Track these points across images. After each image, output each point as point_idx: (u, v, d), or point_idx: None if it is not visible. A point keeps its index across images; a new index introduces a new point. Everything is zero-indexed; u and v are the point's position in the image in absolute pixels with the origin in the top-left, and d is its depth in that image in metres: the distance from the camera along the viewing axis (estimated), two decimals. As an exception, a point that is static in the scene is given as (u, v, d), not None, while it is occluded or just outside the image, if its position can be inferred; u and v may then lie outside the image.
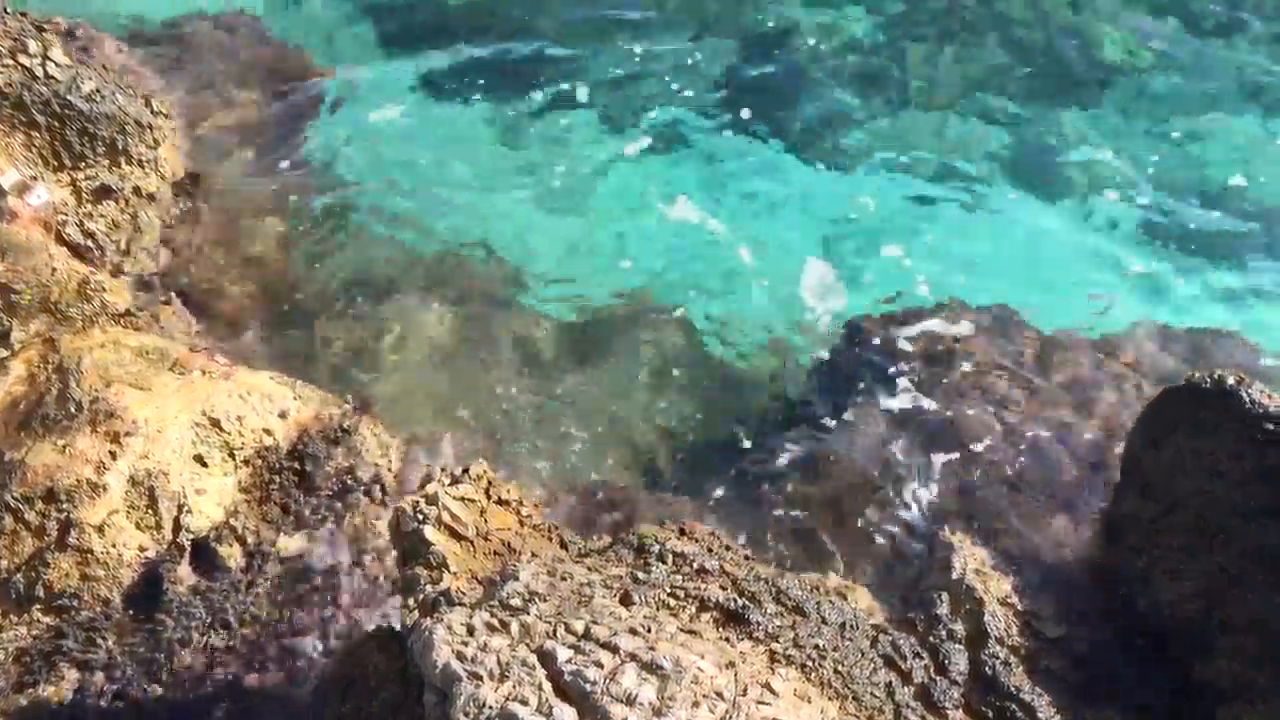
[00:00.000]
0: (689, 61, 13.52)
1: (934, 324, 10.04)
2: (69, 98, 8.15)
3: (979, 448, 8.66)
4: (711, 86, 13.27)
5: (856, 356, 9.72)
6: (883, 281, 10.96)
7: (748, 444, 9.33)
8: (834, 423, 9.21)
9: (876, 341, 9.77)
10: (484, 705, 3.76)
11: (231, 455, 6.93)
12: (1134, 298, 11.00)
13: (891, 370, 9.52)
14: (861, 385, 9.46)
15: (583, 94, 13.03)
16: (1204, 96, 13.43)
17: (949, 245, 11.40)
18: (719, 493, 8.87)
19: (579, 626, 4.21)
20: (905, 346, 9.73)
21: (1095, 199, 12.02)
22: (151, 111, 8.87)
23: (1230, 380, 5.88)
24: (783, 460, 9.05)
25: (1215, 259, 11.51)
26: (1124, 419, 8.45)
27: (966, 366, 9.45)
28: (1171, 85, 13.62)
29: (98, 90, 8.38)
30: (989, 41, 14.08)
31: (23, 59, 8.04)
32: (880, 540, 8.27)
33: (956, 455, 8.66)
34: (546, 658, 4.00)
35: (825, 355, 10.02)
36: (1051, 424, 8.79)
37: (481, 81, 13.09)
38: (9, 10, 8.41)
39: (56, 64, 8.14)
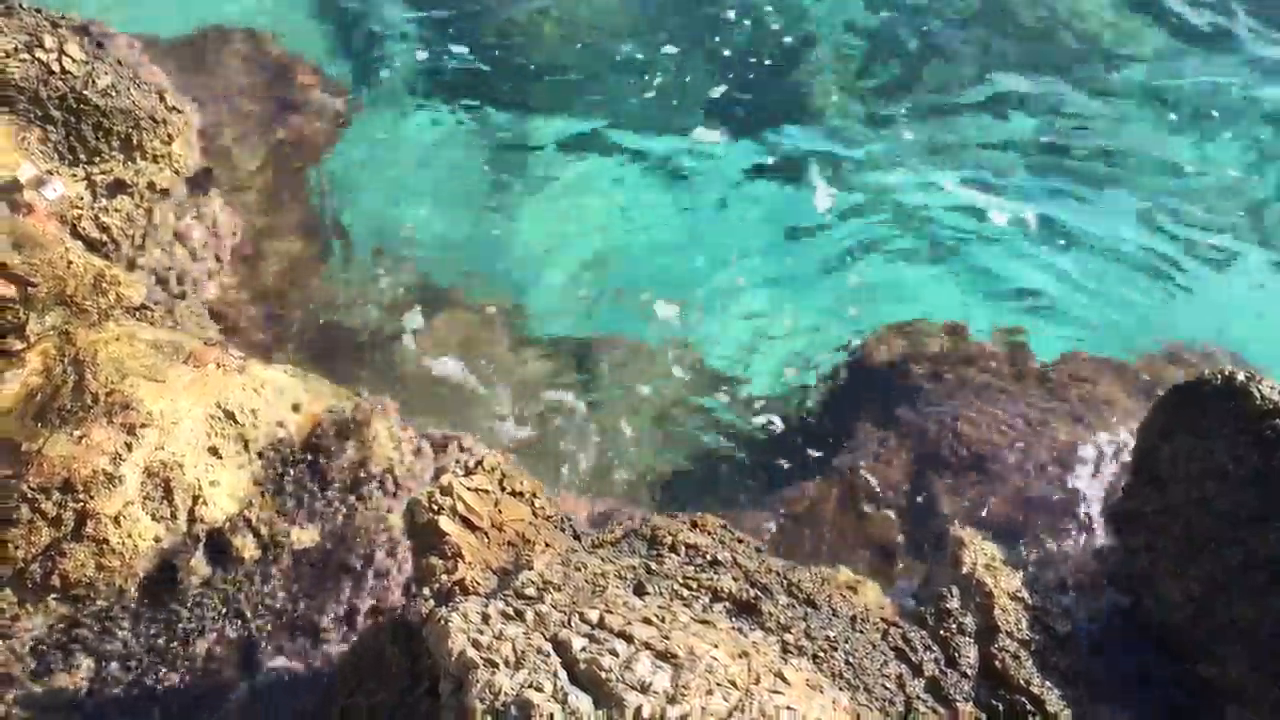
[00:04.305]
0: (685, 77, 13.49)
1: (940, 342, 10.13)
2: (85, 92, 8.20)
3: (985, 455, 8.73)
4: (705, 102, 13.25)
5: (865, 372, 9.82)
6: (890, 298, 10.99)
7: (758, 452, 9.39)
8: (844, 433, 9.29)
9: (885, 358, 9.88)
10: (500, 692, 3.80)
11: (245, 447, 6.97)
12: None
13: (900, 385, 9.63)
14: (870, 399, 9.57)
15: (588, 112, 13.05)
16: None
17: (960, 268, 11.43)
18: (730, 494, 8.94)
19: (593, 615, 4.25)
20: (912, 362, 9.83)
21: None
22: (166, 107, 8.91)
23: (1240, 376, 5.90)
24: (794, 465, 9.13)
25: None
26: (1128, 431, 8.52)
27: (972, 382, 9.55)
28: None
29: (113, 85, 8.43)
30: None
31: (39, 54, 8.08)
32: (890, 537, 8.30)
33: (963, 462, 8.73)
34: (561, 646, 4.04)
35: (834, 370, 10.08)
36: (1056, 436, 8.85)
37: (490, 95, 13.12)
38: (24, 6, 8.46)
39: (72, 59, 8.19)
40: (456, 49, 13.70)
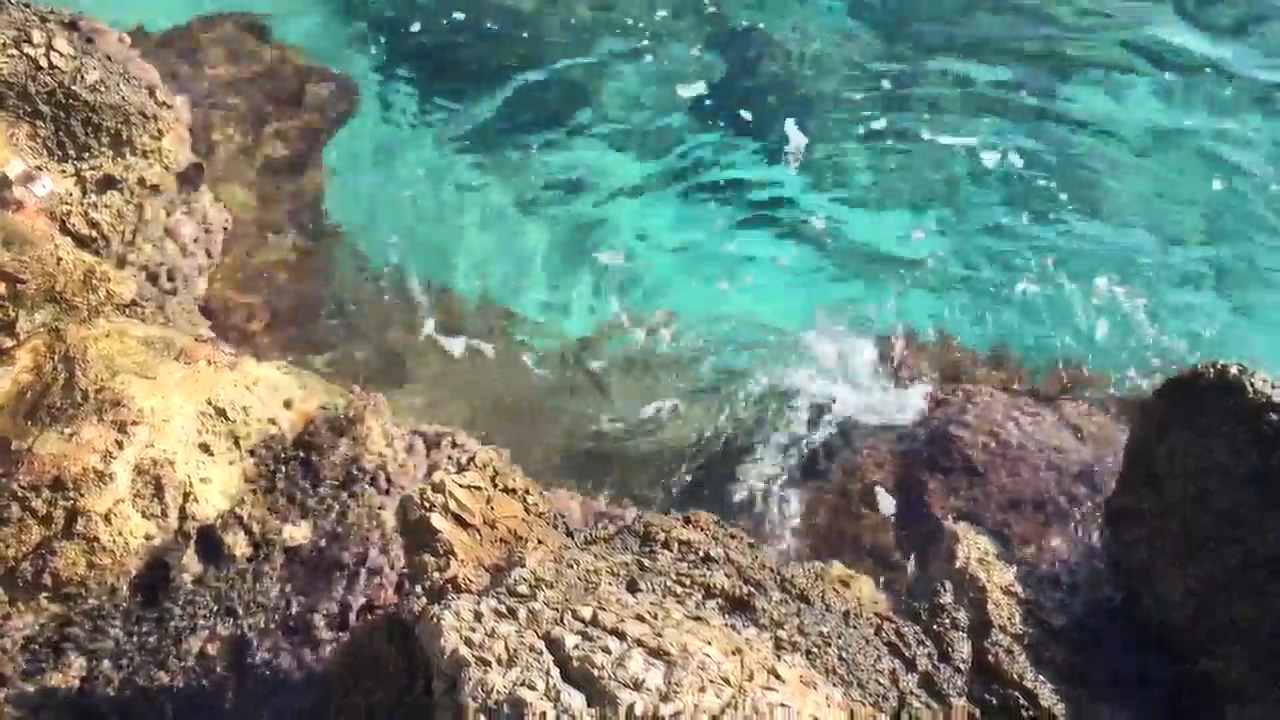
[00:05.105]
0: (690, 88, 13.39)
1: (933, 350, 10.17)
2: (73, 88, 8.16)
3: (979, 457, 8.76)
4: (709, 111, 13.18)
5: (860, 378, 9.85)
6: (885, 306, 10.95)
7: (756, 454, 9.37)
8: (839, 437, 9.31)
9: (880, 367, 9.92)
10: (492, 690, 3.79)
11: (237, 444, 6.94)
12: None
13: (894, 391, 9.65)
14: (865, 405, 9.59)
15: (587, 117, 12.95)
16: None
17: (950, 275, 11.38)
18: (724, 494, 8.95)
19: (586, 613, 4.24)
20: (907, 370, 9.85)
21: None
22: (155, 102, 8.86)
23: (1234, 370, 5.88)
24: (791, 466, 9.14)
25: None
26: (1120, 433, 8.54)
27: (966, 390, 9.59)
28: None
29: (102, 81, 8.37)
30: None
31: (27, 49, 8.03)
32: (883, 532, 8.31)
33: (957, 465, 8.76)
34: (554, 643, 4.03)
35: (829, 375, 10.06)
36: (1049, 439, 8.88)
37: (486, 86, 13.01)
38: (13, 1, 8.41)
39: (61, 54, 8.14)
40: (454, 41, 13.62)
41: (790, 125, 12.49)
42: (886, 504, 8.49)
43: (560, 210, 11.77)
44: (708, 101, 12.95)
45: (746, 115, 12.74)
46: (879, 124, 12.65)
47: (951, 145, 12.36)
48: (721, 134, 12.61)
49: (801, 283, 11.15)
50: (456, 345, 10.12)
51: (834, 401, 9.64)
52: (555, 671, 3.89)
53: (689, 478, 9.19)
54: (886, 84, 13.11)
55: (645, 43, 13.59)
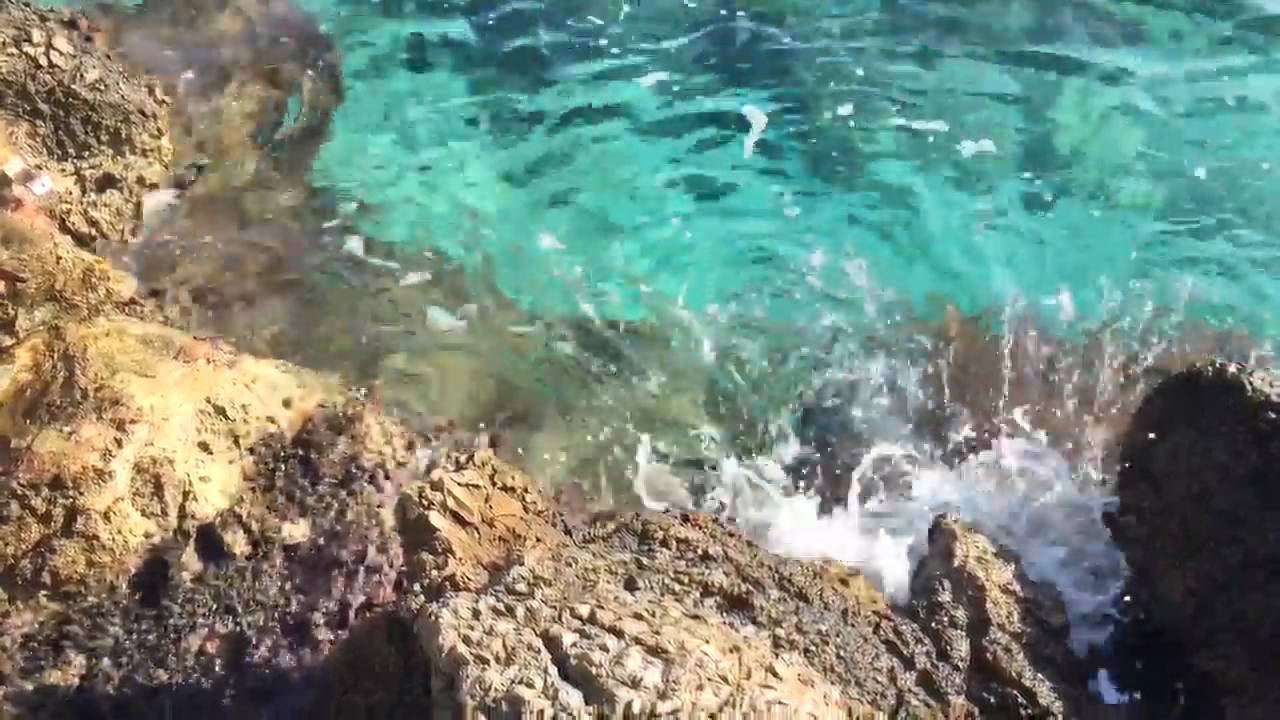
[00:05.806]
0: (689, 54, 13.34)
1: (935, 325, 10.11)
2: (73, 87, 8.16)
3: (981, 440, 8.74)
4: (709, 69, 13.10)
5: (860, 359, 9.79)
6: (887, 282, 10.86)
7: (753, 439, 9.33)
8: (838, 421, 9.27)
9: (879, 343, 9.87)
10: (490, 688, 3.79)
11: (236, 443, 6.95)
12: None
13: (893, 367, 9.61)
14: (863, 383, 9.56)
15: (599, 80, 12.87)
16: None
17: (948, 242, 11.27)
18: (723, 482, 8.90)
19: (584, 611, 4.24)
20: (905, 347, 9.82)
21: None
22: (155, 100, 8.87)
23: (1232, 369, 5.89)
24: (786, 455, 9.12)
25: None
26: (1126, 417, 8.47)
27: (967, 366, 9.54)
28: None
29: (101, 79, 8.38)
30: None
31: (26, 48, 8.04)
32: (882, 528, 8.30)
33: (960, 448, 8.73)
34: (552, 641, 4.03)
35: (829, 359, 10.01)
36: (1052, 418, 8.86)
37: (496, 68, 12.88)
38: (13, 0, 8.42)
39: (60, 53, 8.15)
40: (460, 17, 13.56)
41: (750, 108, 12.41)
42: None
43: (549, 182, 11.67)
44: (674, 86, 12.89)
45: (708, 100, 12.66)
46: (845, 109, 12.55)
47: (927, 131, 12.22)
48: (688, 112, 12.53)
49: (774, 265, 11.01)
50: (457, 323, 10.03)
51: (837, 397, 9.62)
52: (553, 669, 3.89)
53: (689, 472, 9.16)
54: (860, 70, 12.97)
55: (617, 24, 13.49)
